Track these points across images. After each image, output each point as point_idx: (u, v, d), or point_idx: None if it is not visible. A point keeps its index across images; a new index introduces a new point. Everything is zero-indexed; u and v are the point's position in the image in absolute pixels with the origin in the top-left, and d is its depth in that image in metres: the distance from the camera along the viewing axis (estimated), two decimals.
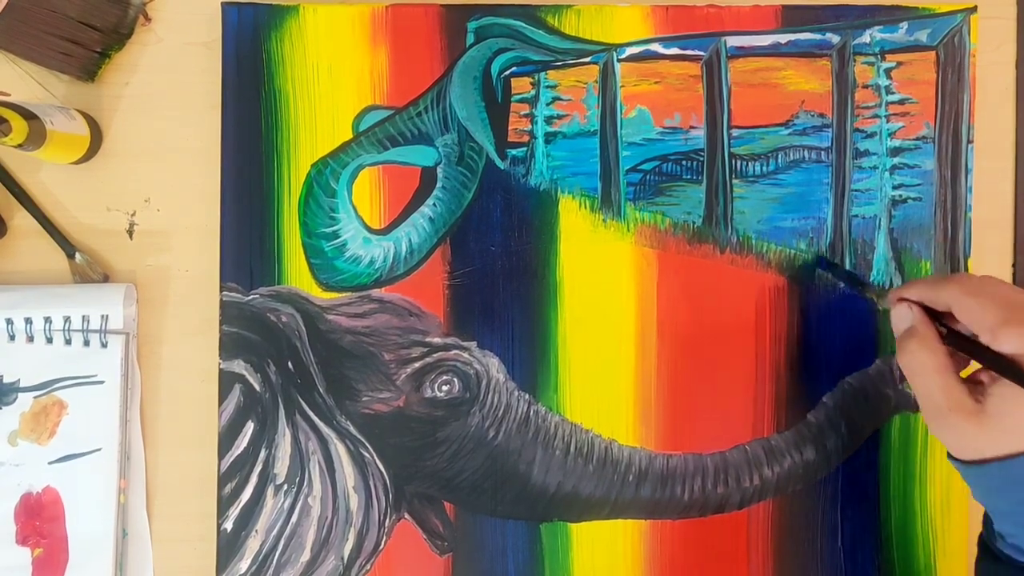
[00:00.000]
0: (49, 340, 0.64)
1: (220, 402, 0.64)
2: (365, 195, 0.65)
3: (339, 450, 0.64)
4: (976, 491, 0.49)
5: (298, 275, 0.65)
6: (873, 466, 0.65)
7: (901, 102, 0.65)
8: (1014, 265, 0.67)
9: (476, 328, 0.65)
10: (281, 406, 0.64)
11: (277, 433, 0.64)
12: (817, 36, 0.65)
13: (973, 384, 0.47)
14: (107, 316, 0.64)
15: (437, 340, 0.65)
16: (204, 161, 0.66)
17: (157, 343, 0.67)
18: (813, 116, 0.65)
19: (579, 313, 0.65)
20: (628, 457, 0.65)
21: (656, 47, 0.65)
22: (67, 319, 0.64)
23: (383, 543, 0.65)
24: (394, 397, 0.65)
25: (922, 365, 0.48)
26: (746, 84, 0.65)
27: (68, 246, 0.66)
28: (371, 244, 0.65)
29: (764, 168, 0.65)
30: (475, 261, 0.65)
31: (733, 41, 0.65)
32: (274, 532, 0.64)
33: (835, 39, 0.65)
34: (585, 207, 0.65)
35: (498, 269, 0.65)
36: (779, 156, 0.65)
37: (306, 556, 0.64)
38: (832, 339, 0.65)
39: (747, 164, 0.65)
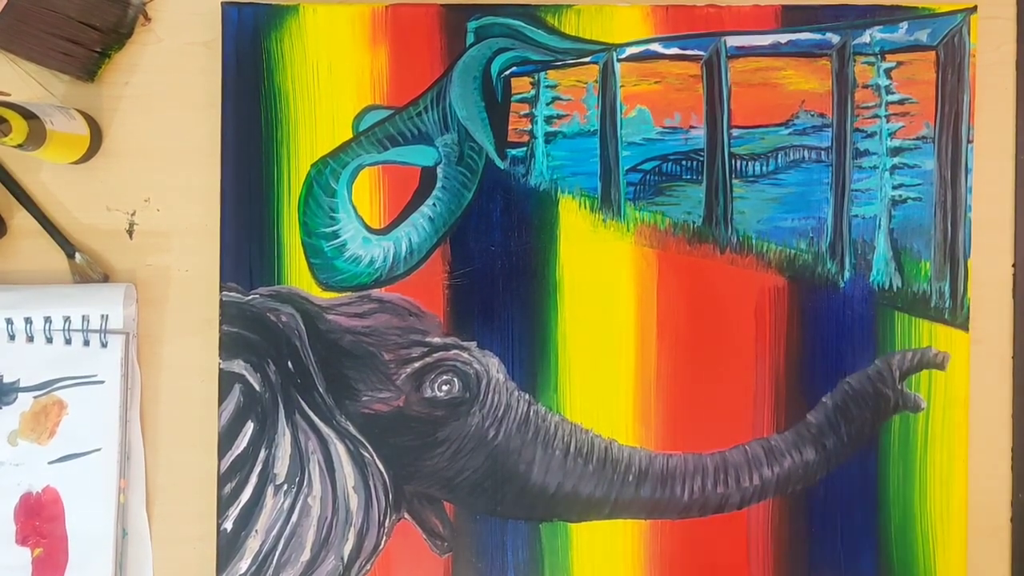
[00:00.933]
0: (49, 340, 0.64)
1: (220, 402, 0.64)
2: (365, 195, 0.65)
3: (339, 450, 0.64)
4: None
5: (298, 275, 0.65)
6: (873, 466, 0.65)
7: (901, 102, 0.65)
8: (1014, 265, 0.67)
9: (476, 328, 0.65)
10: (281, 406, 0.64)
11: (277, 433, 0.64)
12: (817, 36, 0.65)
13: None
14: (107, 316, 0.64)
15: (437, 340, 0.65)
16: (204, 161, 0.66)
17: (157, 343, 0.67)
18: (813, 116, 0.65)
19: (579, 313, 0.65)
20: (628, 457, 0.65)
21: (656, 47, 0.65)
22: (67, 319, 0.64)
23: (383, 543, 0.65)
24: (394, 397, 0.65)
25: None
26: (746, 84, 0.65)
27: (68, 246, 0.66)
28: (371, 244, 0.65)
29: (764, 168, 0.65)
30: (475, 261, 0.65)
31: (733, 41, 0.65)
32: (274, 532, 0.64)
33: (835, 39, 0.65)
34: (585, 207, 0.65)
35: (498, 269, 0.65)
36: (779, 156, 0.65)
37: (306, 556, 0.64)
38: (832, 339, 0.65)
39: (747, 164, 0.65)
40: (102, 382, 0.64)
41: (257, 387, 0.64)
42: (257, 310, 0.64)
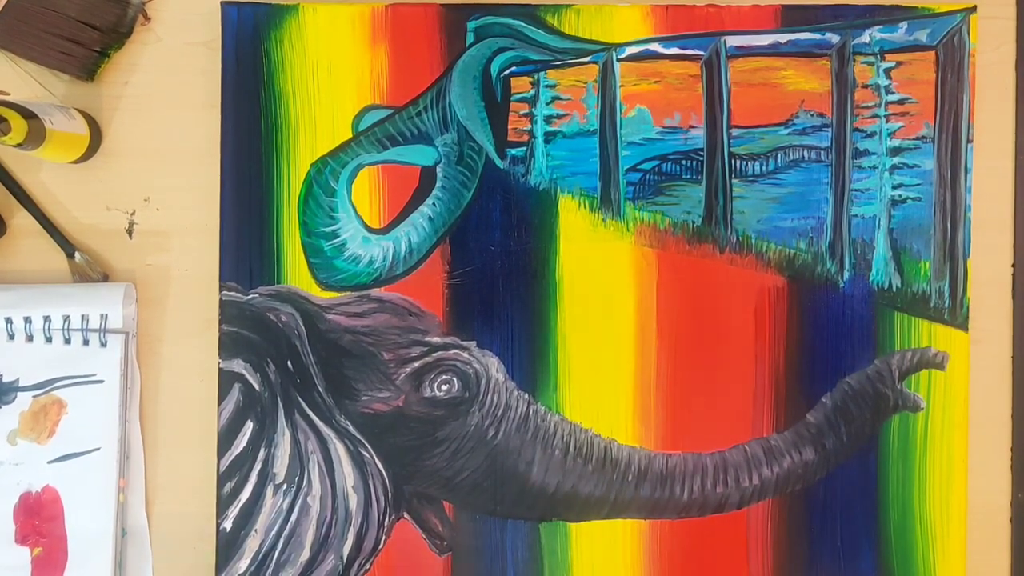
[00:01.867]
0: (48, 339, 0.64)
1: (219, 402, 0.64)
2: (365, 195, 0.65)
3: (338, 449, 0.64)
4: None
5: (298, 274, 0.65)
6: (872, 466, 0.65)
7: (901, 102, 0.65)
8: (1014, 265, 0.67)
9: (475, 328, 0.65)
10: (280, 406, 0.64)
11: (276, 432, 0.64)
12: (817, 36, 0.65)
13: None
14: (106, 315, 0.64)
15: (436, 340, 0.65)
16: (204, 161, 0.66)
17: (157, 343, 0.67)
18: (813, 116, 0.65)
19: (579, 313, 0.65)
20: (627, 457, 0.65)
21: (656, 47, 0.65)
22: (66, 318, 0.64)
23: (382, 542, 0.65)
24: (393, 397, 0.65)
25: None
26: (746, 84, 0.65)
27: (68, 246, 0.66)
28: (370, 243, 0.65)
29: (764, 168, 0.65)
30: (474, 261, 0.65)
31: (733, 41, 0.65)
32: (273, 531, 0.64)
33: (835, 39, 0.65)
34: (585, 207, 0.65)
35: (498, 269, 0.65)
36: (779, 156, 0.65)
37: (305, 555, 0.64)
38: (831, 339, 0.65)
39: (747, 164, 0.65)
40: (101, 381, 0.64)
41: (257, 387, 0.64)
42: (257, 310, 0.64)
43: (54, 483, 0.64)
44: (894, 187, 0.65)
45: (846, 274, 0.65)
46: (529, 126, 0.65)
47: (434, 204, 0.65)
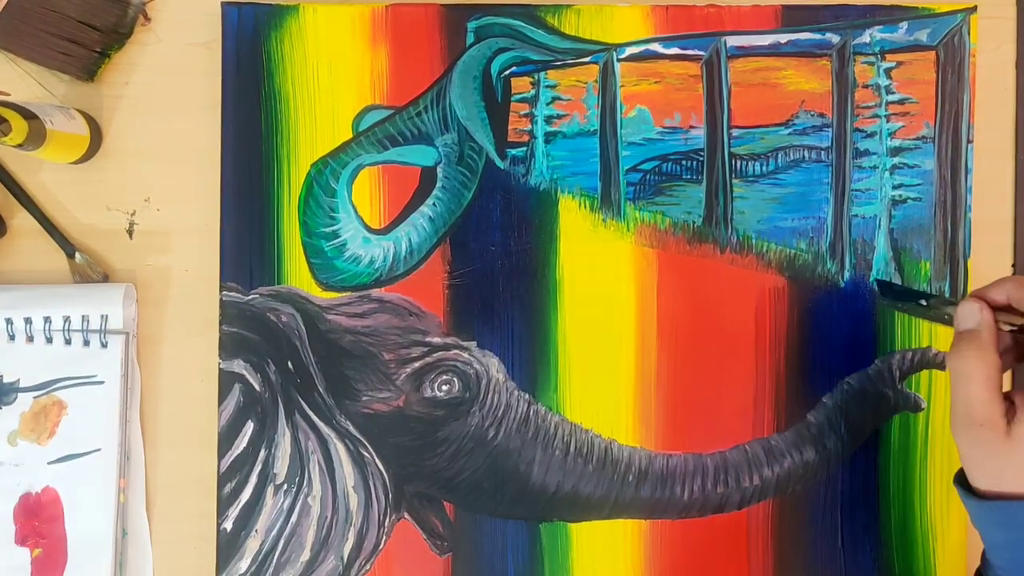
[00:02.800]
0: (49, 340, 0.64)
1: (220, 402, 0.64)
2: (365, 195, 0.65)
3: (339, 450, 0.64)
4: (975, 518, 0.48)
5: (298, 275, 0.65)
6: (873, 466, 0.65)
7: (901, 102, 0.65)
8: (1014, 265, 0.67)
9: (476, 328, 0.65)
10: (281, 406, 0.64)
11: (277, 433, 0.64)
12: (817, 36, 0.65)
13: (1009, 403, 0.46)
14: (107, 316, 0.64)
15: (437, 340, 0.65)
16: (204, 161, 0.66)
17: (157, 343, 0.67)
18: (813, 116, 0.65)
19: (579, 313, 0.65)
20: (628, 457, 0.65)
21: (656, 47, 0.65)
22: (67, 319, 0.64)
23: (383, 543, 0.65)
24: (394, 397, 0.65)
25: (971, 372, 0.46)
26: (746, 84, 0.65)
27: (68, 246, 0.66)
28: (371, 244, 0.65)
29: (764, 168, 0.65)
30: (475, 261, 0.65)
31: (733, 41, 0.65)
32: (274, 532, 0.64)
33: (835, 39, 0.65)
34: (585, 207, 0.65)
35: (498, 269, 0.65)
36: (779, 156, 0.65)
37: (306, 556, 0.64)
38: (832, 339, 0.65)
39: (747, 164, 0.65)
40: (102, 382, 0.64)
41: (257, 387, 0.64)
42: (257, 310, 0.64)
43: (54, 484, 0.64)
44: (894, 187, 0.65)
45: (846, 274, 0.65)
46: (529, 126, 0.65)
47: (434, 204, 0.65)
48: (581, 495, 0.65)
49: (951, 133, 0.65)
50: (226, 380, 0.64)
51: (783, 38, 0.65)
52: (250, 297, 0.64)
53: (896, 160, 0.65)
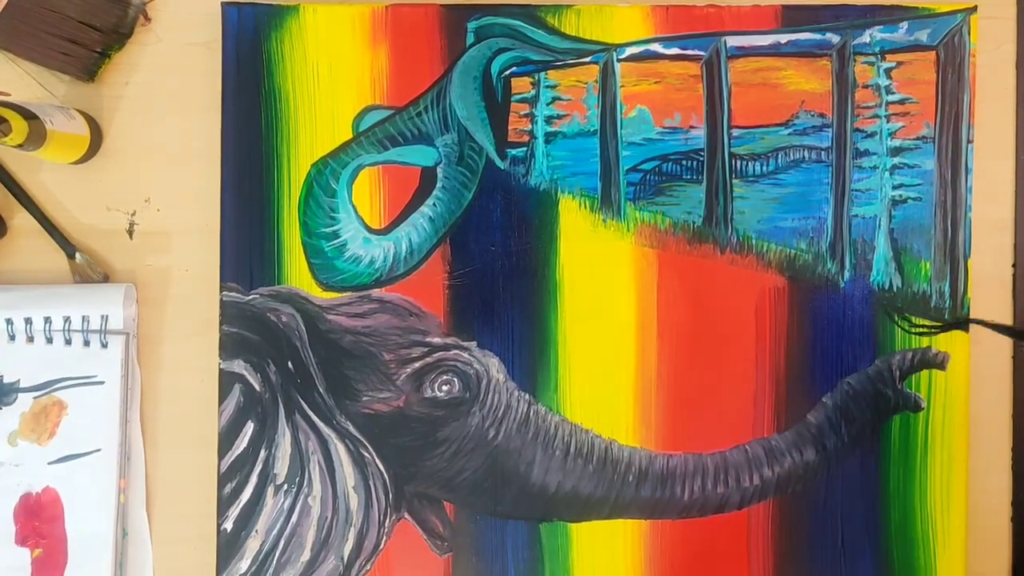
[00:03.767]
0: (49, 340, 0.64)
1: (220, 402, 0.64)
2: (365, 195, 0.65)
3: (339, 450, 0.64)
4: None
5: (298, 275, 0.65)
6: (872, 466, 0.65)
7: (901, 102, 0.65)
8: (1014, 265, 0.67)
9: (476, 328, 0.65)
10: (281, 406, 0.64)
11: (277, 433, 0.64)
12: (817, 36, 0.65)
13: None
14: (107, 316, 0.64)
15: (437, 340, 0.65)
16: (204, 161, 0.66)
17: (157, 343, 0.67)
18: (813, 116, 0.65)
19: (579, 313, 0.65)
20: (628, 457, 0.65)
21: (656, 47, 0.65)
22: (67, 319, 0.64)
23: (383, 543, 0.65)
24: (394, 397, 0.65)
25: None
26: (746, 84, 0.65)
27: (68, 246, 0.66)
28: (371, 244, 0.65)
29: (764, 168, 0.65)
30: (475, 261, 0.65)
31: (733, 41, 0.65)
32: (274, 532, 0.64)
33: (835, 39, 0.65)
34: (585, 207, 0.65)
35: (498, 269, 0.65)
36: (779, 156, 0.65)
37: (306, 556, 0.64)
38: (832, 339, 0.65)
39: (747, 164, 0.65)
40: (102, 382, 0.64)
41: (257, 387, 0.64)
42: (257, 310, 0.64)
43: (54, 484, 0.64)
44: (894, 187, 0.65)
45: (846, 274, 0.65)
46: (529, 126, 0.65)
47: (434, 204, 0.65)
48: (581, 495, 0.65)
49: (951, 133, 0.65)
50: (226, 380, 0.64)
51: (783, 38, 0.65)
52: (250, 297, 0.64)
53: (896, 160, 0.65)
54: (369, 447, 0.64)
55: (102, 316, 0.64)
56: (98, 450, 0.64)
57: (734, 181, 0.65)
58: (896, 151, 0.65)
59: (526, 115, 0.65)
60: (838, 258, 0.65)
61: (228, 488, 0.64)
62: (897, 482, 0.65)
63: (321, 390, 0.64)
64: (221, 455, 0.64)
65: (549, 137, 0.65)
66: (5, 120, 0.55)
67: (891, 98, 0.65)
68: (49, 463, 0.64)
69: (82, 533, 0.64)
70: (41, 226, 0.66)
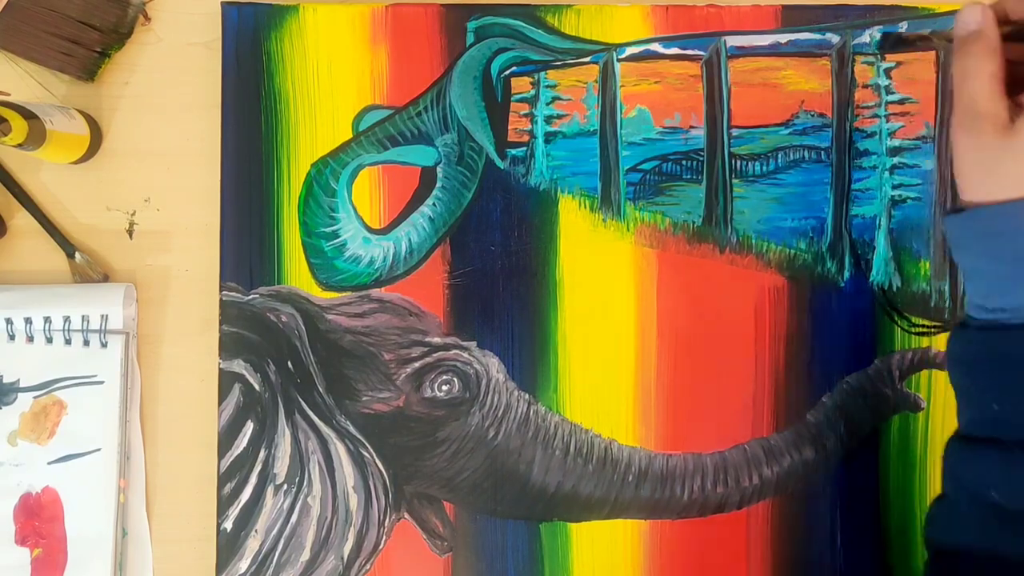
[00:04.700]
0: (49, 340, 0.64)
1: (220, 402, 0.64)
2: (365, 195, 0.65)
3: (339, 450, 0.64)
4: (956, 240, 0.47)
5: (298, 275, 0.65)
6: (872, 466, 0.65)
7: (901, 102, 0.65)
8: None
9: (476, 328, 0.65)
10: (281, 406, 0.64)
11: (277, 433, 0.64)
12: (817, 36, 0.65)
13: (1014, 103, 0.45)
14: (107, 316, 0.64)
15: (437, 340, 0.65)
16: (204, 161, 0.66)
17: (157, 343, 0.67)
18: (813, 116, 0.65)
19: (579, 313, 0.65)
20: (628, 457, 0.65)
21: (656, 47, 0.65)
22: (67, 319, 0.64)
23: (383, 543, 0.65)
24: (394, 397, 0.65)
25: (977, 69, 0.46)
26: (746, 84, 0.65)
27: (68, 246, 0.66)
28: (371, 244, 0.65)
29: (764, 168, 0.65)
30: (475, 261, 0.65)
31: (733, 41, 0.65)
32: (274, 532, 0.64)
33: (835, 39, 0.65)
34: (585, 207, 0.65)
35: (498, 269, 0.65)
36: (779, 156, 0.65)
37: (306, 556, 0.64)
38: (831, 339, 0.65)
39: (747, 164, 0.65)
40: (102, 382, 0.64)
41: (257, 387, 0.64)
42: (257, 310, 0.64)
43: (54, 484, 0.64)
44: (894, 187, 0.65)
45: (846, 274, 0.65)
46: (529, 126, 0.65)
47: (434, 204, 0.65)
48: (581, 495, 0.65)
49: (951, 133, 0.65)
50: (226, 380, 0.64)
51: (783, 38, 0.65)
52: (250, 297, 0.64)
53: (896, 160, 0.65)
54: (369, 447, 0.64)
55: (102, 316, 0.64)
56: (98, 450, 0.64)
57: (734, 181, 0.65)
58: (896, 151, 0.65)
59: (526, 115, 0.65)
60: (838, 258, 0.65)
61: (228, 488, 0.64)
62: (897, 482, 0.65)
63: (321, 390, 0.64)
64: (221, 455, 0.64)
65: (549, 137, 0.65)
66: (5, 120, 0.55)
67: (891, 98, 0.65)
68: (49, 463, 0.64)
69: (82, 533, 0.64)
70: (41, 226, 0.66)
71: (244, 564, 0.64)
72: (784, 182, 0.65)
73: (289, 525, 0.64)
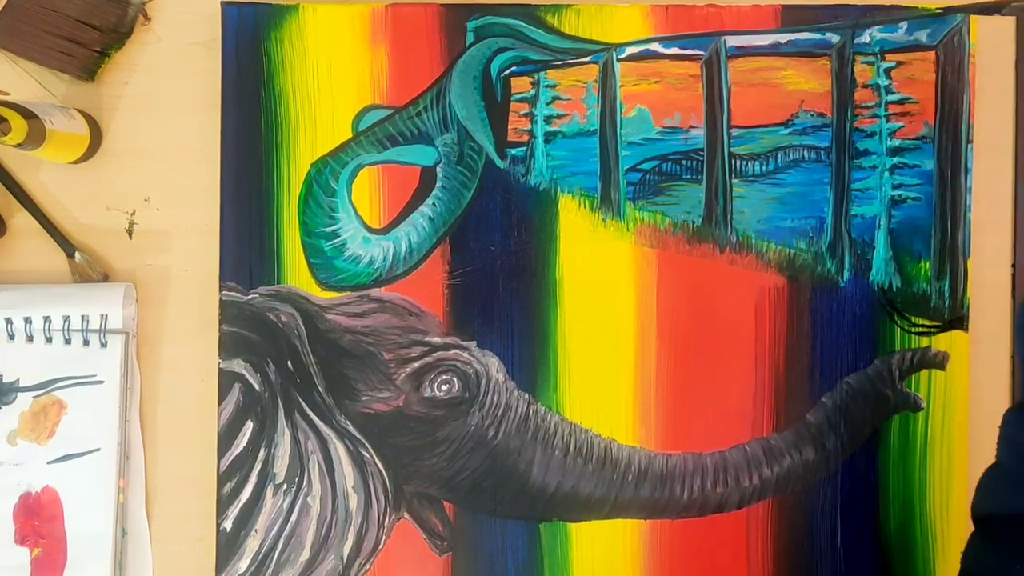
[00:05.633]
0: (49, 340, 0.64)
1: (219, 402, 0.64)
2: (365, 195, 0.65)
3: (338, 449, 0.64)
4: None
5: (298, 275, 0.65)
6: (872, 466, 0.65)
7: (901, 102, 0.65)
8: (1013, 265, 0.67)
9: (476, 328, 0.65)
10: (280, 405, 0.64)
11: (276, 432, 0.64)
12: (817, 36, 0.65)
13: None
14: (107, 316, 0.64)
15: (437, 340, 0.65)
16: (204, 161, 0.66)
17: (157, 343, 0.67)
18: (813, 116, 0.65)
19: (579, 313, 0.65)
20: (627, 457, 0.65)
21: (656, 47, 0.65)
22: (67, 319, 0.64)
23: (382, 543, 0.65)
24: (394, 397, 0.65)
25: None
26: (746, 84, 0.65)
27: (68, 246, 0.66)
28: (370, 244, 0.65)
29: (764, 168, 0.65)
30: (475, 261, 0.65)
31: (733, 41, 0.65)
32: (273, 531, 0.64)
33: (835, 39, 0.65)
34: (585, 207, 0.65)
35: (498, 269, 0.65)
36: (779, 156, 0.65)
37: (305, 555, 0.64)
38: (831, 339, 0.65)
39: (747, 164, 0.65)
40: (102, 382, 0.64)
41: (257, 387, 0.64)
42: (257, 310, 0.64)
43: (54, 484, 0.64)
44: (894, 187, 0.65)
45: (846, 274, 0.65)
46: (529, 126, 0.65)
47: (434, 204, 0.65)
48: (581, 495, 0.65)
49: (951, 133, 0.65)
50: (226, 380, 0.64)
51: (783, 38, 0.65)
52: (250, 297, 0.64)
53: (896, 160, 0.65)
54: (368, 447, 0.64)
55: (101, 316, 0.64)
56: (97, 449, 0.64)
57: (734, 181, 0.65)
58: (896, 151, 0.65)
59: (526, 115, 0.65)
60: (838, 258, 0.65)
61: (227, 488, 0.64)
62: (897, 482, 0.65)
63: (320, 390, 0.64)
64: (220, 455, 0.64)
65: (549, 137, 0.65)
66: (5, 119, 0.55)
67: (891, 98, 0.65)
68: (48, 462, 0.64)
69: (81, 533, 0.64)
70: (41, 226, 0.66)
71: (244, 564, 0.64)
72: (784, 182, 0.65)
73: (289, 525, 0.64)
